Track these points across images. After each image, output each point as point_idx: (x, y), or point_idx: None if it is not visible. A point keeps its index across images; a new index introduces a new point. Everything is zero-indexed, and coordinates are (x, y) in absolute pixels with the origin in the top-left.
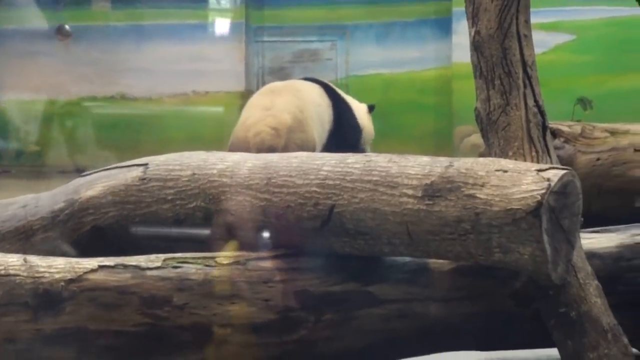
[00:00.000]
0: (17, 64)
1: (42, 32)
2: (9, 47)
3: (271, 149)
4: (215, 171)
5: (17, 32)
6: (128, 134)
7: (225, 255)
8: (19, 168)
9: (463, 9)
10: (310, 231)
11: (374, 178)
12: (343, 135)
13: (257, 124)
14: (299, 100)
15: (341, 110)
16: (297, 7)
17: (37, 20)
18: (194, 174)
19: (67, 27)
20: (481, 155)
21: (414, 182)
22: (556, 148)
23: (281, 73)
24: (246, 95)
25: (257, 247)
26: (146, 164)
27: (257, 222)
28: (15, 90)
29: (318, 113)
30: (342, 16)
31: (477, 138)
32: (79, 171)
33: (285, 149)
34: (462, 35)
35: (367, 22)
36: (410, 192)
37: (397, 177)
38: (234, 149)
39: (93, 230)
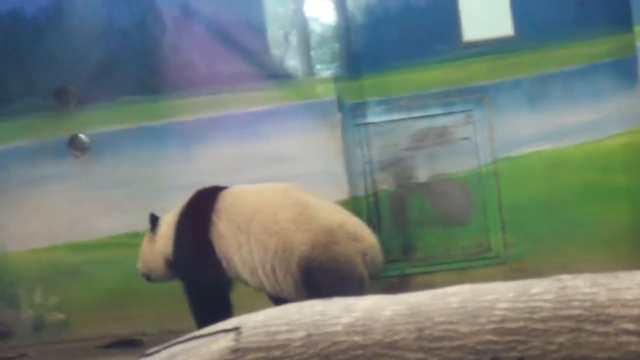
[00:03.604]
0: (21, 197)
1: (49, 148)
2: (8, 174)
3: None
4: (339, 328)
5: (18, 152)
6: None
7: None
8: (39, 348)
9: None
10: None
11: (576, 312)
12: None
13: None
14: None
15: None
16: (409, 68)
17: (41, 131)
18: (310, 334)
19: (82, 136)
20: None
21: (636, 312)
22: None
23: (398, 166)
24: (351, 203)
25: None
26: (237, 328)
27: None
28: (23, 235)
29: None
30: (476, 74)
31: None
32: (124, 343)
33: None
34: None
35: (513, 78)
36: (631, 326)
37: (608, 308)
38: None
39: None
